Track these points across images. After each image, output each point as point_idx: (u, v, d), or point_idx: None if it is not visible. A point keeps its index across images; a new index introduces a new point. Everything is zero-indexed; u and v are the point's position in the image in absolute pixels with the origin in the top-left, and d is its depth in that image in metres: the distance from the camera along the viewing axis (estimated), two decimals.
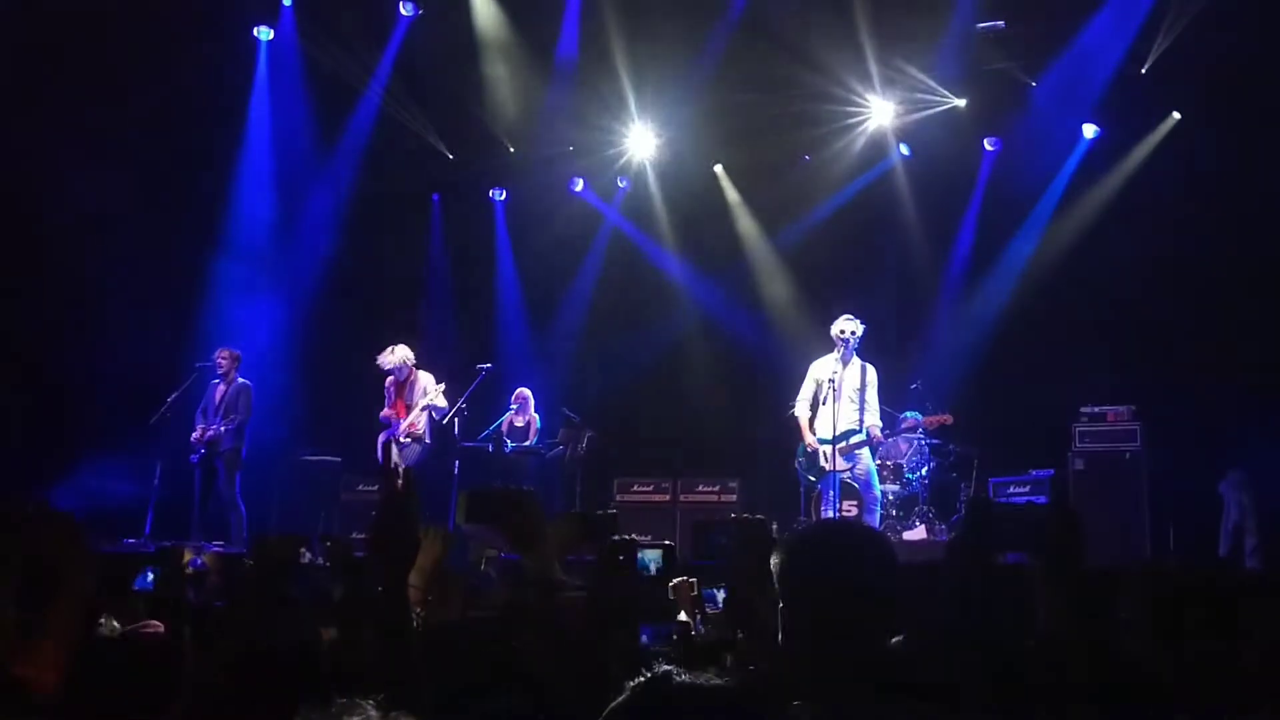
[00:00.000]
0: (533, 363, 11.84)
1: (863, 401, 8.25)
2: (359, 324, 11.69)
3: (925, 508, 9.14)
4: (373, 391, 11.13)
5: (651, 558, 2.64)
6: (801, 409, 8.41)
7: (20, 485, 9.04)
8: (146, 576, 3.45)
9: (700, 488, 10.03)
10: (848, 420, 8.18)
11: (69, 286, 9.93)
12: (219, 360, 9.48)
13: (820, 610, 1.92)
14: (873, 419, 8.27)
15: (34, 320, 9.82)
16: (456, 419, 9.45)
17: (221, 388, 9.47)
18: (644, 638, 2.94)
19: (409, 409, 9.41)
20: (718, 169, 12.27)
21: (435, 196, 12.59)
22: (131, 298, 10.03)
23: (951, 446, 9.51)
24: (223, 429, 9.30)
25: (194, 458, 9.36)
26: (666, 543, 2.72)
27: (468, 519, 2.35)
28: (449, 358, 10.79)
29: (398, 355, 9.53)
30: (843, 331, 8.27)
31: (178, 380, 9.47)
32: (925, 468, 9.34)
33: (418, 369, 9.62)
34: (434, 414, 9.46)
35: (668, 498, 10.05)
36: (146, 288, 10.15)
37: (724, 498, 9.89)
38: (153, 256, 10.14)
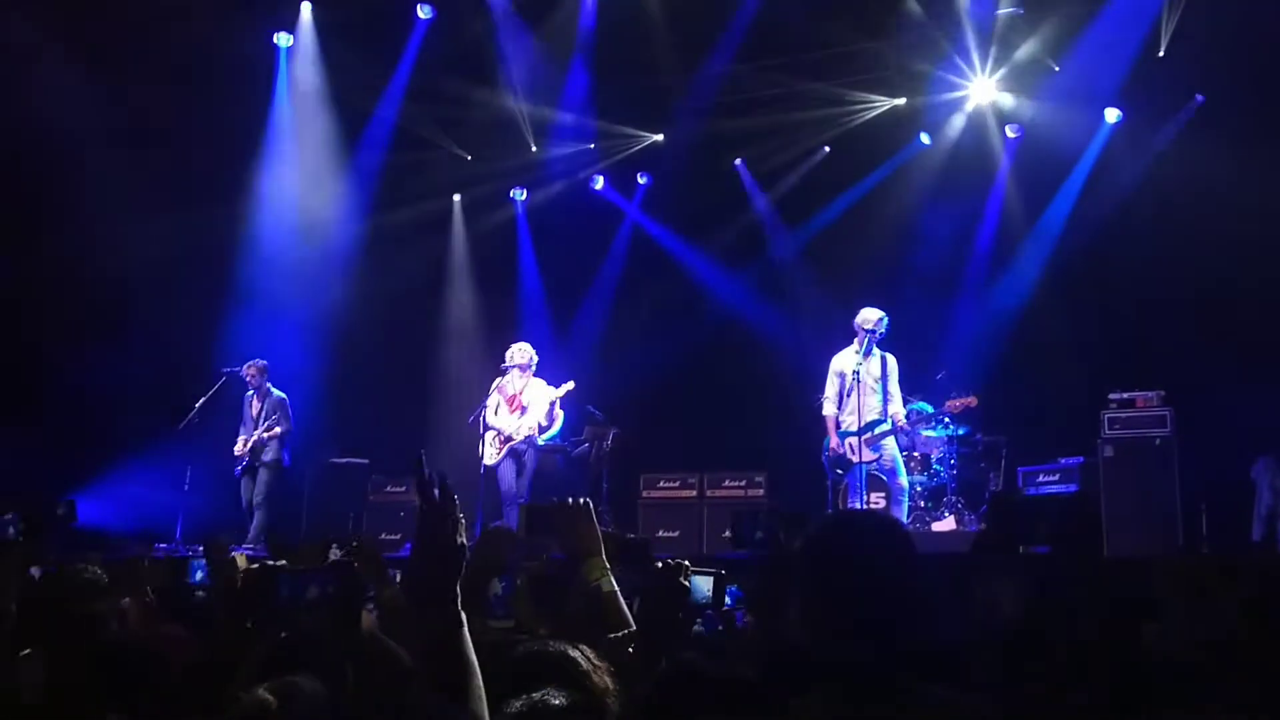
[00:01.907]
0: (556, 361, 11.84)
1: (885, 391, 8.26)
2: (383, 326, 11.77)
3: (954, 498, 9.07)
4: (398, 393, 11.19)
5: (704, 584, 2.59)
6: (829, 407, 8.40)
7: (52, 492, 9.17)
8: (196, 574, 3.52)
9: (726, 483, 9.96)
10: (872, 411, 8.18)
11: (96, 292, 10.05)
12: (247, 374, 9.62)
13: (836, 599, 1.93)
14: (896, 407, 8.28)
15: (62, 328, 9.94)
16: (482, 418, 9.44)
17: (255, 401, 9.64)
18: (700, 627, 2.95)
19: (525, 409, 9.32)
20: (738, 163, 12.24)
21: (456, 197, 12.64)
22: (158, 303, 10.13)
23: (979, 436, 9.44)
24: (265, 437, 9.48)
25: (237, 471, 9.56)
26: (721, 571, 2.65)
27: (529, 533, 2.45)
28: (472, 357, 10.82)
29: (525, 353, 9.43)
30: (866, 322, 8.28)
31: (206, 386, 9.55)
32: (953, 458, 9.27)
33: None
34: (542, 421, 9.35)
35: (694, 493, 10.00)
36: (173, 293, 10.25)
37: (751, 492, 9.83)
38: (178, 262, 10.23)
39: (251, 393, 9.69)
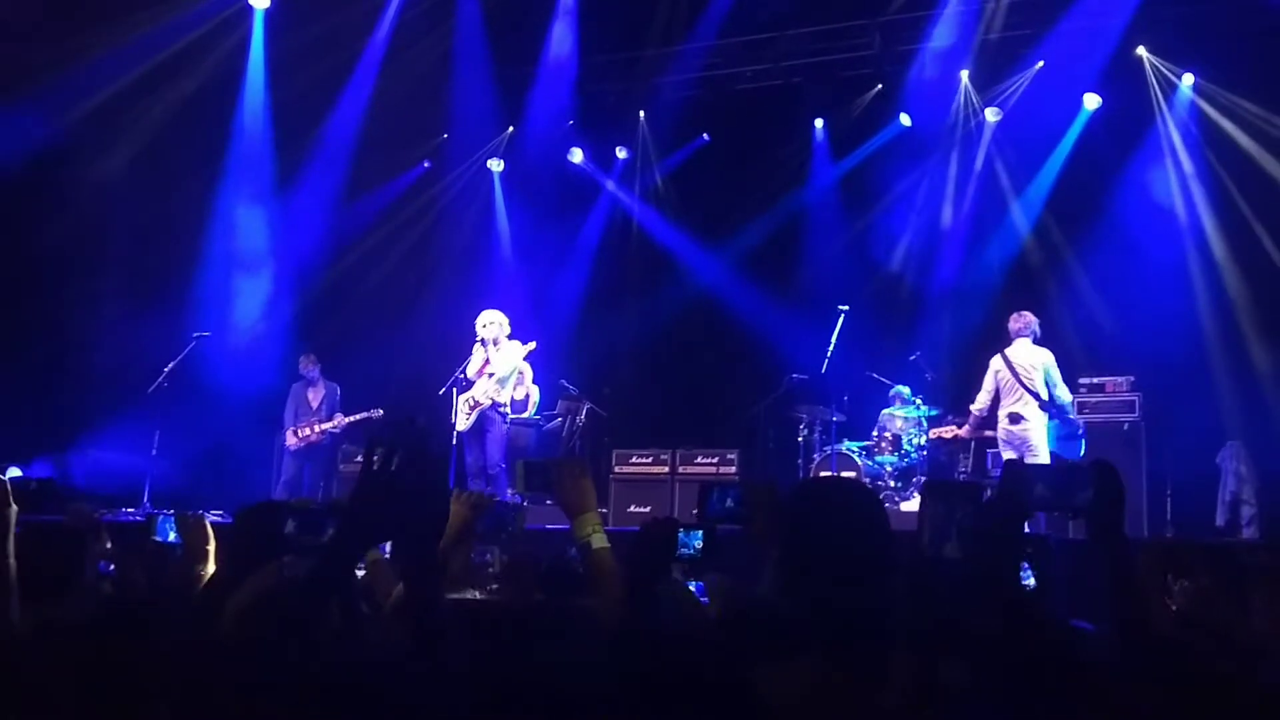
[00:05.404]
0: (531, 334, 11.81)
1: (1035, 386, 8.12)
2: (353, 296, 11.68)
3: (923, 479, 9.15)
4: (368, 363, 11.10)
5: (695, 537, 2.62)
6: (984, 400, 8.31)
7: (22, 458, 9.06)
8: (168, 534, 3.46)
9: (699, 459, 9.95)
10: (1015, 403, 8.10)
11: (65, 258, 9.91)
12: (304, 367, 10.17)
13: (810, 560, 2.00)
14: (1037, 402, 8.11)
15: (30, 291, 9.81)
16: (456, 391, 9.39)
17: (312, 391, 10.12)
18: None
19: (490, 376, 9.11)
20: (706, 136, 12.22)
21: (429, 165, 12.53)
22: (129, 268, 10.01)
23: (950, 417, 9.51)
24: (327, 428, 9.99)
25: (290, 449, 9.99)
26: (712, 527, 2.70)
27: (525, 489, 2.50)
28: (445, 329, 10.75)
29: (490, 317, 9.31)
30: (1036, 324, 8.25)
31: (175, 350, 9.46)
32: (923, 438, 9.35)
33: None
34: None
35: (666, 469, 9.97)
36: (144, 257, 10.13)
37: (723, 469, 9.82)
38: (149, 227, 10.11)
39: (304, 383, 10.15)
